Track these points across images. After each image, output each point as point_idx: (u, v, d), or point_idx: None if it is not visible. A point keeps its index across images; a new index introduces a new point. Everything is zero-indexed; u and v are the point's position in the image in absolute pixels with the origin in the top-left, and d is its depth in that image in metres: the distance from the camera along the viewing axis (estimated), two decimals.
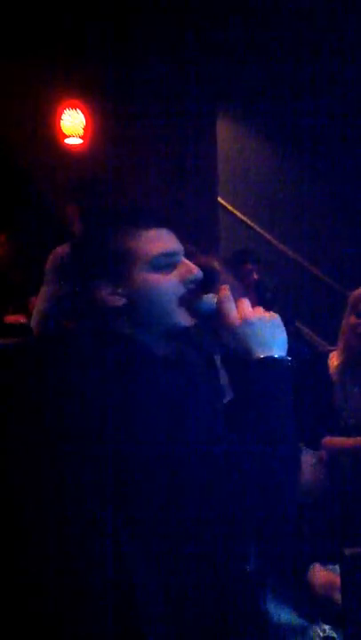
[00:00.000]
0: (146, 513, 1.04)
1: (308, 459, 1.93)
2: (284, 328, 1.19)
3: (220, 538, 1.08)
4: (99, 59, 4.76)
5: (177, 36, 4.79)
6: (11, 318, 3.80)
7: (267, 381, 1.13)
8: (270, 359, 1.14)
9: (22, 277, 3.95)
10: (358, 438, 2.33)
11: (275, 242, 5.85)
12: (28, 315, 3.44)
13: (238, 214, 5.84)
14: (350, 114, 5.31)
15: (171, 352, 1.21)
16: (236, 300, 1.18)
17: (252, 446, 1.06)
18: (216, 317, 1.18)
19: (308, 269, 5.83)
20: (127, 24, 4.71)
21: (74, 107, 4.88)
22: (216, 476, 1.04)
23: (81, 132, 4.89)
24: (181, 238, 1.24)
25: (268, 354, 1.14)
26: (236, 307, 1.18)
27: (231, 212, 5.78)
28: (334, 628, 1.74)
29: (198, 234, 4.24)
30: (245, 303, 1.18)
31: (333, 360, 2.50)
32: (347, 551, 1.55)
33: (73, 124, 4.88)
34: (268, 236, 5.86)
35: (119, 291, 1.17)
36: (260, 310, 1.18)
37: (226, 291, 1.19)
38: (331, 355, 2.53)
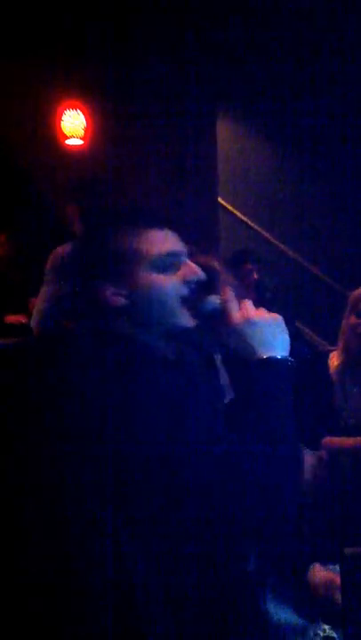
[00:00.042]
0: (146, 513, 1.04)
1: (308, 459, 1.93)
2: (286, 329, 1.20)
3: (220, 538, 1.08)
4: (99, 59, 4.76)
5: (177, 35, 4.79)
6: (12, 318, 3.81)
7: (268, 381, 1.13)
8: (273, 359, 1.15)
9: (22, 277, 3.95)
10: (358, 438, 2.33)
11: (275, 242, 5.84)
12: (29, 315, 3.44)
13: (238, 214, 5.83)
14: (350, 114, 5.31)
15: (171, 352, 1.21)
16: (239, 301, 1.19)
17: (253, 446, 1.06)
18: (219, 317, 1.19)
19: (308, 269, 5.83)
20: (127, 24, 4.71)
21: (74, 107, 4.88)
22: (216, 476, 1.04)
23: (82, 133, 4.89)
24: (181, 238, 1.24)
25: (271, 354, 1.15)
26: (240, 307, 1.18)
27: (231, 212, 5.78)
28: (334, 627, 1.73)
29: (198, 234, 4.23)
30: (249, 304, 1.20)
31: (333, 360, 2.50)
32: (347, 551, 1.55)
33: (73, 125, 4.87)
34: (268, 236, 5.86)
35: (122, 291, 1.17)
36: (263, 311, 1.19)
37: (230, 291, 1.19)
38: (331, 355, 2.53)
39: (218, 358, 2.06)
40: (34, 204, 4.56)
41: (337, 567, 1.71)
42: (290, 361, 1.16)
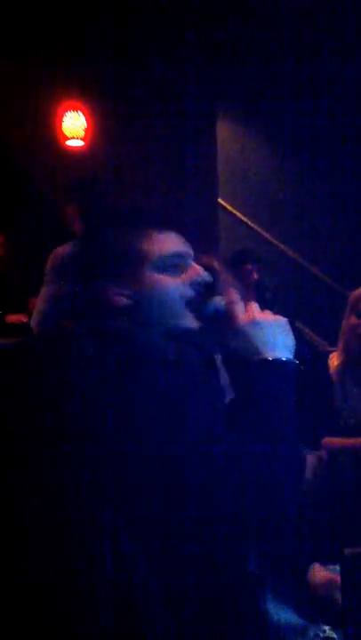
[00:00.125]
0: (146, 513, 1.04)
1: (308, 459, 1.93)
2: (290, 331, 1.21)
3: (221, 538, 1.08)
4: (99, 59, 4.76)
5: (177, 35, 4.79)
6: (12, 318, 3.81)
7: (273, 383, 1.14)
8: (279, 361, 1.15)
9: (22, 277, 3.95)
10: (358, 438, 2.33)
11: (275, 242, 5.84)
12: (29, 314, 3.44)
13: (238, 214, 5.84)
14: (350, 114, 5.31)
15: (171, 352, 1.21)
16: (244, 303, 1.20)
17: (253, 446, 1.06)
18: (223, 319, 1.19)
19: (308, 269, 5.83)
20: (127, 24, 4.71)
21: (75, 108, 4.88)
22: (216, 476, 1.04)
23: (82, 134, 4.89)
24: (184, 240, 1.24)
25: (274, 355, 1.15)
26: (246, 309, 1.19)
27: (231, 212, 5.78)
28: (334, 627, 1.73)
29: (198, 234, 4.23)
30: (254, 305, 1.20)
31: (333, 360, 2.50)
32: (347, 551, 1.55)
33: (74, 125, 4.87)
34: (268, 236, 5.86)
35: (124, 291, 1.17)
36: (267, 313, 1.20)
37: (235, 293, 1.20)
38: (331, 355, 2.53)
39: (218, 358, 2.05)
40: (34, 204, 4.56)
41: (337, 567, 1.71)
42: (295, 363, 1.17)
